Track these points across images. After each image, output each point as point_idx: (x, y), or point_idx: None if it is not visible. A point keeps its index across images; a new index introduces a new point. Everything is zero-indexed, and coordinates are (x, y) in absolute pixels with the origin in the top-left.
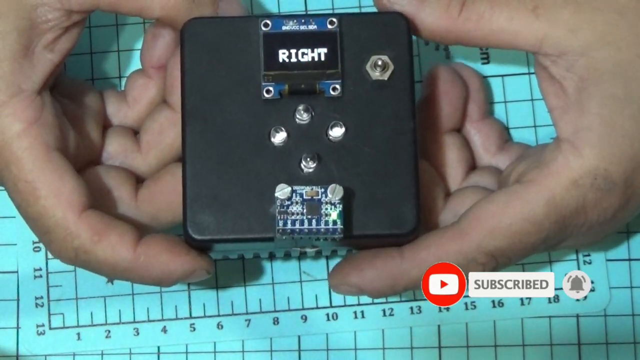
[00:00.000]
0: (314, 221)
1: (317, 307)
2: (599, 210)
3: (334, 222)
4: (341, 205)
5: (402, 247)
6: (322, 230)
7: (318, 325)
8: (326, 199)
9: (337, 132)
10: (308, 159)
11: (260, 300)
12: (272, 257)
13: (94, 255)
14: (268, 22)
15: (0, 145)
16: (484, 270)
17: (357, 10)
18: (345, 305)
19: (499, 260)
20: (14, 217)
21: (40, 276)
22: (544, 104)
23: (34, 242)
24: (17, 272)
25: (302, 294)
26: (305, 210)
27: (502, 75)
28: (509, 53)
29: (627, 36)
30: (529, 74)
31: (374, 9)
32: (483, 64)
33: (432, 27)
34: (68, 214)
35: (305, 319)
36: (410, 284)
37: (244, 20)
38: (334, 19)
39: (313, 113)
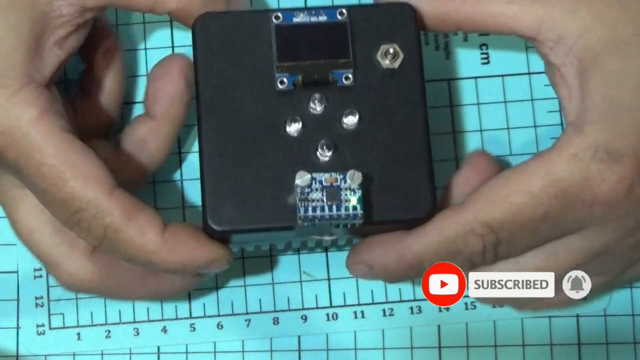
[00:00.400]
0: (334, 207)
1: (317, 307)
2: (608, 185)
3: (354, 208)
4: (360, 191)
5: None
6: (343, 215)
7: (318, 325)
8: (345, 185)
9: (351, 120)
10: (324, 147)
11: (260, 300)
12: (287, 247)
13: (123, 235)
14: (279, 14)
15: (16, 133)
16: (484, 247)
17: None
18: (345, 305)
19: (499, 234)
20: None
21: (40, 276)
22: (544, 104)
23: None
24: (17, 272)
25: (302, 294)
26: (325, 197)
27: (502, 75)
28: (508, 53)
29: (622, 16)
30: (529, 73)
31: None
32: (483, 64)
33: (431, 14)
34: (99, 192)
35: (305, 319)
36: (415, 260)
37: (255, 13)
38: (344, 10)
39: (327, 102)
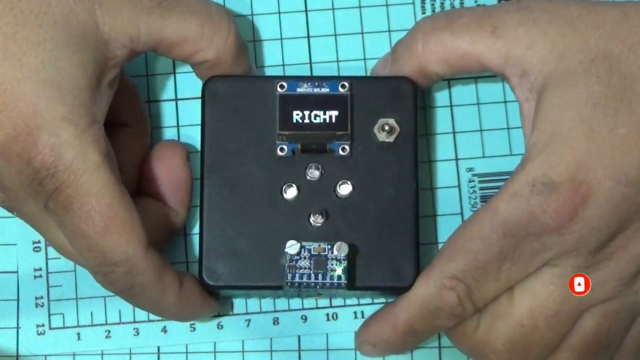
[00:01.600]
0: (320, 275)
1: (317, 307)
2: (550, 214)
3: (339, 277)
4: (346, 262)
5: None
6: (328, 284)
7: (318, 325)
8: (332, 255)
9: (345, 189)
10: (317, 215)
11: (260, 300)
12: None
13: (147, 292)
14: (284, 83)
15: (80, 174)
16: (458, 298)
17: (357, 6)
18: (345, 306)
19: (466, 282)
20: (14, 217)
21: (40, 276)
22: None
23: (34, 242)
24: (17, 272)
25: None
26: (312, 265)
27: None
28: None
29: (574, 45)
30: None
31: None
32: None
33: (412, 74)
34: (138, 252)
35: (305, 319)
36: (406, 327)
37: (261, 80)
38: (346, 83)
39: (323, 171)
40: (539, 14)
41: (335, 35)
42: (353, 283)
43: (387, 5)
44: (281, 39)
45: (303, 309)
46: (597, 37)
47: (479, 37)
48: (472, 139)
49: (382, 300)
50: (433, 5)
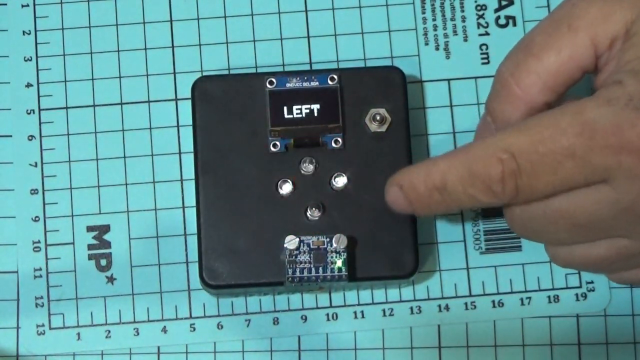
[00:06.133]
0: (320, 269)
1: (317, 307)
2: (638, 132)
3: (339, 269)
4: (345, 253)
5: None
6: (329, 277)
7: (318, 325)
8: (331, 248)
9: (340, 182)
10: (314, 208)
11: (260, 300)
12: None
13: None
14: (273, 80)
15: None
16: (503, 173)
17: (357, 6)
18: (345, 306)
19: (519, 161)
20: (14, 217)
21: (40, 276)
22: None
23: (34, 242)
24: (17, 272)
25: (302, 294)
26: (312, 259)
27: None
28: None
29: None
30: None
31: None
32: (483, 64)
33: (522, 119)
34: None
35: (305, 319)
36: (439, 179)
37: (250, 77)
38: (335, 75)
39: (317, 164)
40: None
41: (335, 35)
42: (354, 274)
43: (387, 5)
44: (281, 39)
45: (303, 309)
46: None
47: (561, 44)
48: (472, 139)
49: (382, 299)
50: (433, 5)
